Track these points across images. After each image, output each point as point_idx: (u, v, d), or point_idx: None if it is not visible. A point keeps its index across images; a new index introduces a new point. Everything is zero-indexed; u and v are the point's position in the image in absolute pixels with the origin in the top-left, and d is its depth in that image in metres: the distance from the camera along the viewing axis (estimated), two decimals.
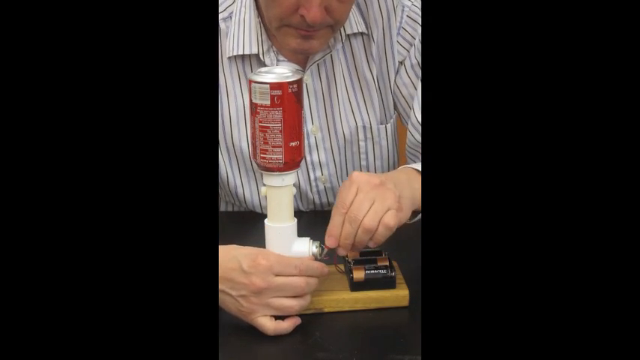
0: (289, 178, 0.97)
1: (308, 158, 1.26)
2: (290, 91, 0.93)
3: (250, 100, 0.95)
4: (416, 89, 1.24)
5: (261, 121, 0.94)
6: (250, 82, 0.94)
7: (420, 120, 1.22)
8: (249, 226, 1.06)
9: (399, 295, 1.00)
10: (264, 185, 0.98)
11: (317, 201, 1.30)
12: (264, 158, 0.95)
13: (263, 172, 0.98)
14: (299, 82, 0.94)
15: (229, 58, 1.20)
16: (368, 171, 1.28)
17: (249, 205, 1.29)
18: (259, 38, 1.19)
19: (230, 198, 1.30)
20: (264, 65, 1.19)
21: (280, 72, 0.94)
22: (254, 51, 1.19)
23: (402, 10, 1.23)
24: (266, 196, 0.99)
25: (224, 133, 1.24)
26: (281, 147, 0.94)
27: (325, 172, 1.27)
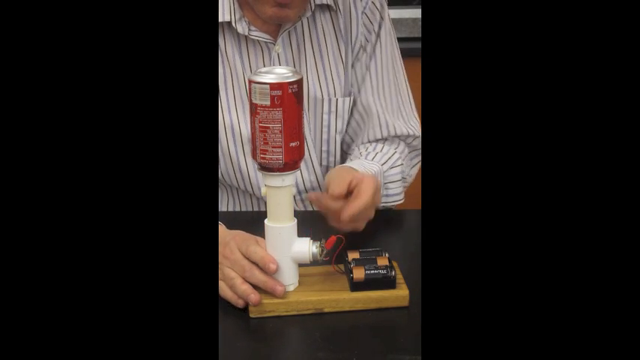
0: (289, 179, 0.97)
1: None
2: (290, 91, 0.93)
3: (250, 100, 0.95)
4: (364, 77, 1.32)
5: (261, 122, 0.94)
6: (250, 82, 0.94)
7: (364, 104, 1.32)
8: (250, 226, 1.06)
9: (399, 296, 1.00)
10: (264, 185, 0.98)
11: None
12: (264, 158, 0.95)
13: (263, 172, 0.98)
14: (299, 82, 0.94)
15: None
16: (327, 142, 1.33)
17: (253, 185, 1.30)
18: (231, 7, 1.22)
19: (233, 180, 1.31)
20: (237, 34, 1.24)
21: (280, 72, 0.94)
22: (226, 18, 1.21)
23: None
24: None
25: None
26: (281, 147, 0.94)
27: None
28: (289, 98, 0.93)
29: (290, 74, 0.94)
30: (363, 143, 1.34)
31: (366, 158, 1.27)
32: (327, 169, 1.35)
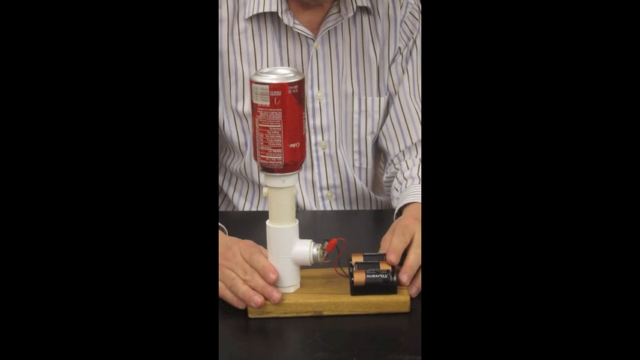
0: (290, 180, 0.97)
1: (311, 122, 1.31)
2: (290, 92, 0.93)
3: (251, 100, 0.95)
4: (400, 79, 1.34)
5: (261, 122, 0.94)
6: (251, 82, 0.94)
7: (402, 104, 1.33)
8: (250, 226, 1.06)
9: (400, 301, 0.99)
10: (266, 186, 0.98)
11: (315, 169, 1.33)
12: (264, 159, 0.95)
13: (264, 173, 0.97)
14: (300, 83, 0.94)
15: (246, 19, 1.26)
16: (359, 142, 1.35)
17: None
18: None
19: (255, 175, 1.33)
20: (279, 26, 1.26)
21: (281, 73, 0.94)
22: (273, 9, 1.24)
23: (406, 6, 1.33)
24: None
25: (236, 94, 1.29)
26: (281, 148, 0.94)
27: (326, 137, 1.32)
28: (289, 99, 0.93)
29: (291, 75, 0.94)
30: (401, 150, 1.34)
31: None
32: (360, 170, 1.37)
